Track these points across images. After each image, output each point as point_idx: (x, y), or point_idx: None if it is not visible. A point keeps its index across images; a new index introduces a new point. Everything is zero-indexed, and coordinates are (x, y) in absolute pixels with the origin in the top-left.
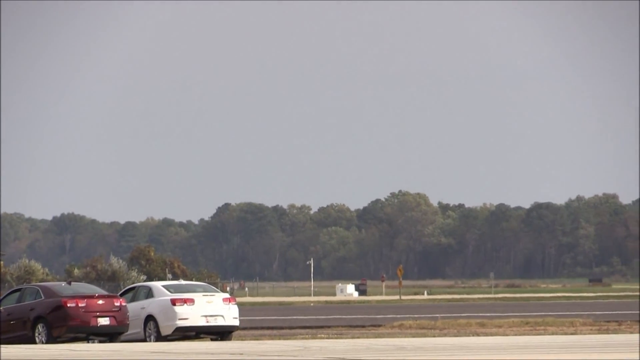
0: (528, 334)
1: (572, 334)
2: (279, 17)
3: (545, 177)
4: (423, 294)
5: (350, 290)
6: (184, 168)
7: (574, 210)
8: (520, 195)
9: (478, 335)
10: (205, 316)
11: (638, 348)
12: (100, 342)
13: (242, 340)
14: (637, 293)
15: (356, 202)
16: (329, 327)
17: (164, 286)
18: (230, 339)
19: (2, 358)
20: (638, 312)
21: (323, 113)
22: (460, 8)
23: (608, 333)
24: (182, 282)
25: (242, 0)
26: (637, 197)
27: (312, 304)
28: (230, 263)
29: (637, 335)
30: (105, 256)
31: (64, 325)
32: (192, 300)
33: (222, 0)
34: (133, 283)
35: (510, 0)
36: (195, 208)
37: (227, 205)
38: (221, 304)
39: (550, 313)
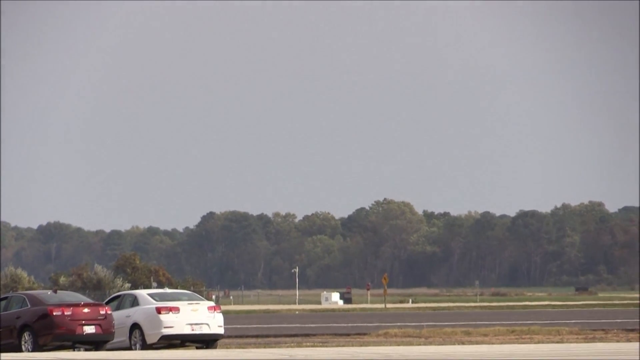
0: (514, 343)
1: (558, 342)
2: (265, 28)
3: (530, 185)
4: (408, 302)
5: (335, 299)
6: (168, 177)
7: (560, 219)
8: (506, 203)
9: (464, 343)
10: (191, 324)
11: (623, 357)
12: (86, 350)
13: (227, 348)
14: (624, 302)
15: (341, 210)
16: (314, 335)
17: (149, 294)
18: (215, 347)
19: None
20: (625, 320)
21: (308, 122)
22: (447, 14)
23: (594, 342)
24: (168, 290)
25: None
26: (623, 205)
27: (297, 312)
28: (215, 271)
29: (623, 344)
30: (91, 264)
31: (50, 333)
32: (177, 309)
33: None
34: (118, 291)
35: (497, 0)
36: (180, 216)
37: (211, 213)
38: (206, 312)
39: (536, 321)
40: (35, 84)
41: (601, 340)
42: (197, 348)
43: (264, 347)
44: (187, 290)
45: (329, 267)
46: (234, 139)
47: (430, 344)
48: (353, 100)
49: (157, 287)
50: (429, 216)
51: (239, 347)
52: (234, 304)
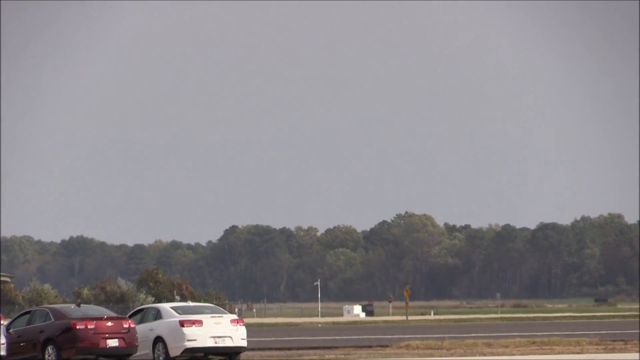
0: (535, 354)
1: (578, 353)
2: (283, 44)
3: (550, 197)
4: (430, 314)
5: (357, 311)
6: (191, 191)
7: (580, 231)
8: (526, 216)
9: (485, 355)
10: (214, 337)
11: None
12: None
13: None
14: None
15: (363, 223)
16: (336, 347)
17: (172, 308)
18: None
19: None
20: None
21: (330, 136)
22: (462, 21)
23: (614, 352)
24: (191, 303)
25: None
26: None
27: (319, 325)
28: (238, 284)
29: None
30: (114, 278)
31: (73, 347)
32: (200, 322)
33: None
34: (142, 305)
35: (517, 0)
36: (203, 230)
37: (234, 227)
38: (229, 325)
39: (556, 333)
40: (59, 98)
41: (621, 351)
42: None
43: None
44: (210, 303)
45: (351, 280)
46: (257, 154)
47: (452, 355)
48: (375, 114)
49: (180, 301)
50: (450, 229)
51: None
52: (257, 316)
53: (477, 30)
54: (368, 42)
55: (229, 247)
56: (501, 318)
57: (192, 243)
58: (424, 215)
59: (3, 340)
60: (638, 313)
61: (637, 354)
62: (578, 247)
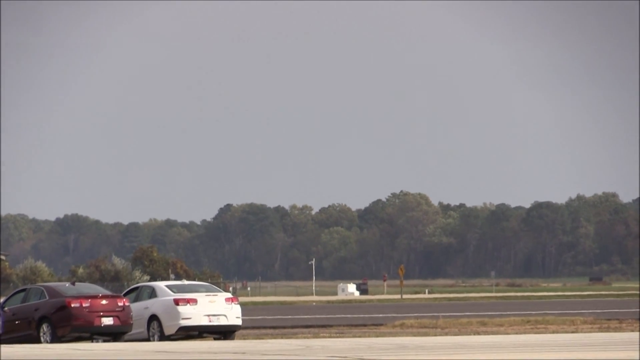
0: (529, 333)
1: (573, 332)
2: (282, 17)
3: (545, 176)
4: (424, 293)
5: (351, 290)
6: (186, 169)
7: (574, 209)
8: (521, 195)
9: (479, 334)
10: (208, 316)
11: (638, 346)
12: (104, 341)
13: (244, 339)
14: (638, 292)
15: (357, 202)
16: (330, 326)
17: (167, 286)
18: (232, 339)
19: (2, 358)
20: (638, 310)
21: (324, 113)
22: (456, 10)
23: (609, 331)
24: (185, 282)
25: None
26: (637, 195)
27: (314, 304)
28: (233, 263)
29: (638, 333)
30: (109, 256)
31: (68, 325)
32: (195, 300)
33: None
34: (136, 283)
35: (511, 0)
36: (197, 209)
37: (229, 206)
38: (224, 304)
39: (551, 311)
40: (52, 77)
41: (616, 330)
42: (215, 339)
43: (281, 338)
44: (205, 282)
45: (345, 259)
46: (251, 132)
47: (446, 334)
48: (369, 92)
49: (175, 279)
50: (444, 208)
51: (257, 338)
52: (251, 295)
53: (476, 13)
54: (366, 18)
55: (224, 225)
56: (496, 297)
57: (187, 221)
58: (419, 194)
59: None
60: (638, 292)
61: (633, 332)
62: (573, 226)
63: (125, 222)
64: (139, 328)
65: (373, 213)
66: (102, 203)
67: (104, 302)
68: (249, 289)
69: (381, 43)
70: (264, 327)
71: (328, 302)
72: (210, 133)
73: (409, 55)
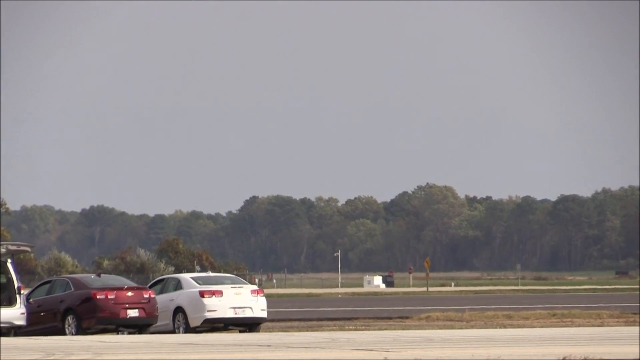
0: (555, 326)
1: (599, 325)
2: (304, 10)
3: (571, 169)
4: (450, 285)
5: (377, 282)
6: (212, 161)
7: (600, 203)
8: (547, 188)
9: (505, 327)
10: (234, 308)
11: None
12: (130, 333)
13: (270, 331)
14: None
15: (383, 194)
16: (356, 318)
17: (192, 278)
18: (258, 331)
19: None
20: None
21: (351, 105)
22: (469, 7)
23: (635, 325)
24: (211, 274)
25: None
26: None
27: (339, 296)
28: (258, 255)
29: None
30: (134, 248)
31: (93, 316)
32: (220, 292)
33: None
34: (162, 275)
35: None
36: (223, 201)
37: (254, 197)
38: (249, 296)
39: (577, 305)
40: (73, 63)
41: None
42: (240, 332)
43: (307, 331)
44: (230, 274)
45: (371, 251)
46: (277, 123)
47: (472, 327)
48: (396, 84)
49: (200, 271)
50: (470, 200)
51: (282, 331)
52: (277, 287)
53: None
54: (390, 11)
55: (249, 217)
56: (521, 290)
57: (213, 213)
58: (445, 186)
59: (23, 310)
60: None
61: None
62: (599, 220)
63: (151, 214)
64: (164, 320)
65: (399, 205)
66: (128, 194)
67: (129, 294)
68: (274, 281)
69: (403, 35)
70: (290, 320)
71: (354, 294)
72: (237, 125)
73: (438, 46)
